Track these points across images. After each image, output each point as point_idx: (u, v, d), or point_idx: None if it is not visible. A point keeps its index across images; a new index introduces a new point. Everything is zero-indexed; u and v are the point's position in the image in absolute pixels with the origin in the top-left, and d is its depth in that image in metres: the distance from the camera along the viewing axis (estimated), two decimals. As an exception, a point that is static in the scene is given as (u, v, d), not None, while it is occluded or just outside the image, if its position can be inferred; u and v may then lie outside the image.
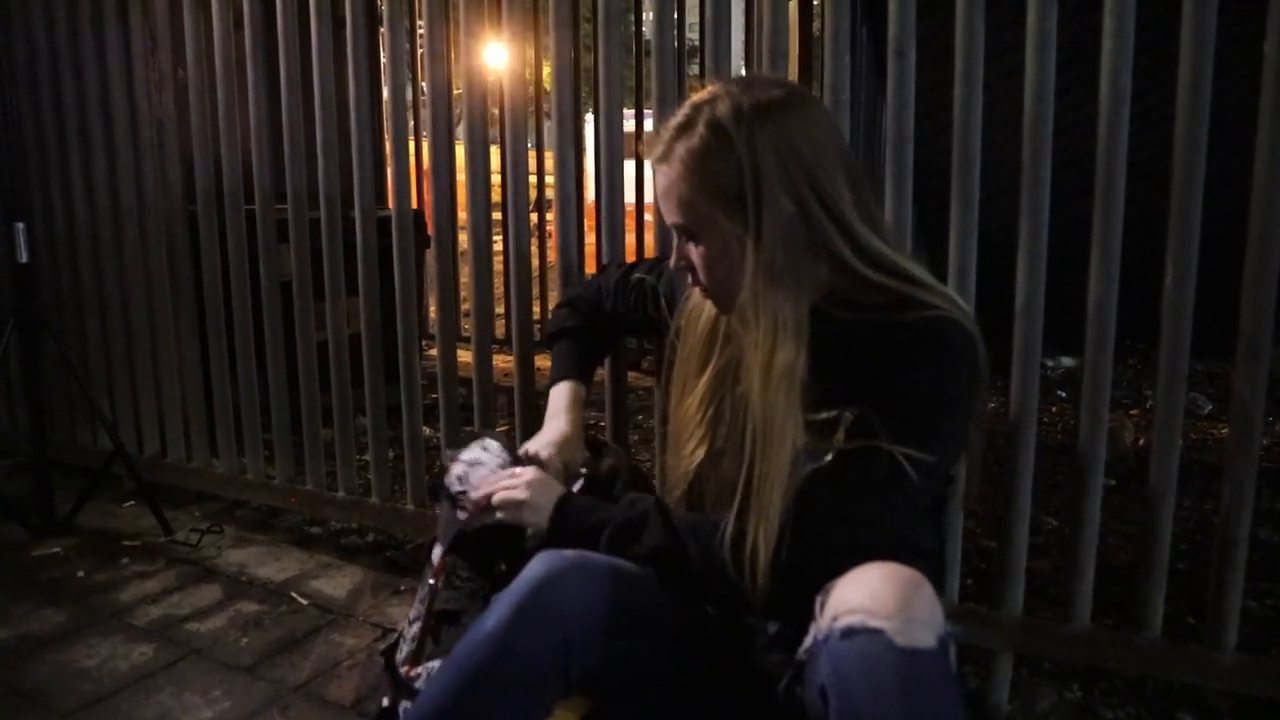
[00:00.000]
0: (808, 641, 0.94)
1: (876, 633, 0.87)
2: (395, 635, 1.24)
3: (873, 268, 1.06)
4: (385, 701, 1.17)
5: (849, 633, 0.88)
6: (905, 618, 0.87)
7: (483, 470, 1.25)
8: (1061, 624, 1.53)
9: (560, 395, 1.42)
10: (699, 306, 1.22)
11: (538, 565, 1.04)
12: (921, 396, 1.03)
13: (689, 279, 1.15)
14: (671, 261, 1.15)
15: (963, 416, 1.06)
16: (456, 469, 1.26)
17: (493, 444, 1.29)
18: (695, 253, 1.10)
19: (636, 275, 1.46)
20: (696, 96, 1.09)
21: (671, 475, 1.23)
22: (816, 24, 3.49)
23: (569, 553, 1.07)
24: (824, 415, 1.04)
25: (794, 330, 1.04)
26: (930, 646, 0.87)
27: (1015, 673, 1.61)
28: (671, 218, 1.10)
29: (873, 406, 1.01)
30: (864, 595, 0.89)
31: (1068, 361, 3.91)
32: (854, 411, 1.01)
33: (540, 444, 1.33)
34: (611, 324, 1.51)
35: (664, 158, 1.09)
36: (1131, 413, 3.32)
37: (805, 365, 1.05)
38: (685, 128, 1.07)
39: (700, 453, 1.17)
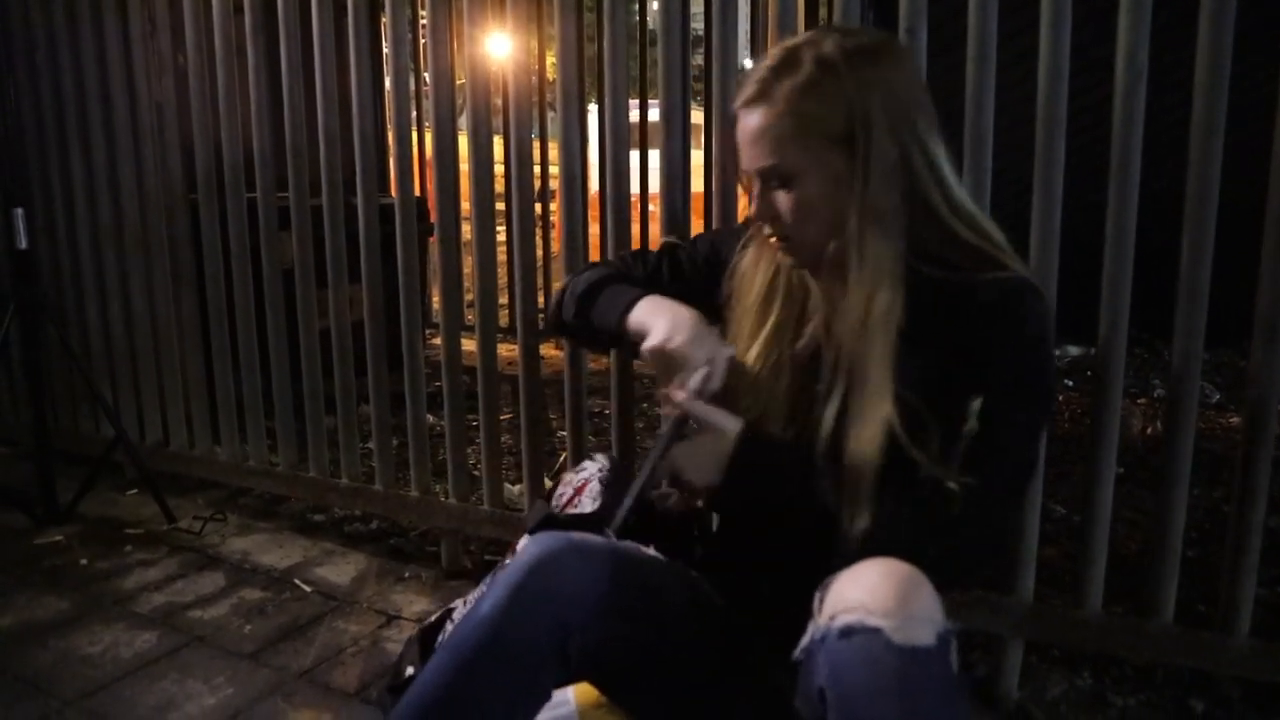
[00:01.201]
0: (805, 640, 0.92)
1: (875, 631, 0.85)
2: (439, 613, 1.23)
3: (962, 222, 1.04)
4: (409, 671, 1.15)
5: (847, 632, 0.87)
6: (904, 615, 0.85)
7: (584, 475, 1.29)
8: (1072, 610, 1.52)
9: (650, 300, 1.19)
10: (752, 267, 1.19)
11: (534, 546, 1.03)
12: (1028, 376, 1.01)
13: (765, 229, 1.10)
14: (752, 209, 1.10)
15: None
16: (565, 476, 1.33)
17: (600, 457, 1.33)
18: (786, 199, 1.05)
19: (664, 242, 1.38)
20: (790, 41, 1.06)
21: None
22: (823, 11, 3.46)
23: (567, 534, 1.05)
24: (940, 390, 1.00)
25: (893, 274, 1.02)
26: (929, 644, 0.85)
27: (1025, 659, 1.60)
28: (763, 160, 1.05)
29: (990, 390, 0.99)
30: (862, 593, 0.88)
31: (1074, 350, 3.90)
32: (979, 399, 0.98)
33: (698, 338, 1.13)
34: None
35: (761, 97, 1.04)
36: (1139, 401, 3.31)
37: (902, 311, 1.02)
38: (788, 65, 1.03)
39: (793, 398, 1.14)
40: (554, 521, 1.20)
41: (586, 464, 1.34)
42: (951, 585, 1.12)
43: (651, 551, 1.16)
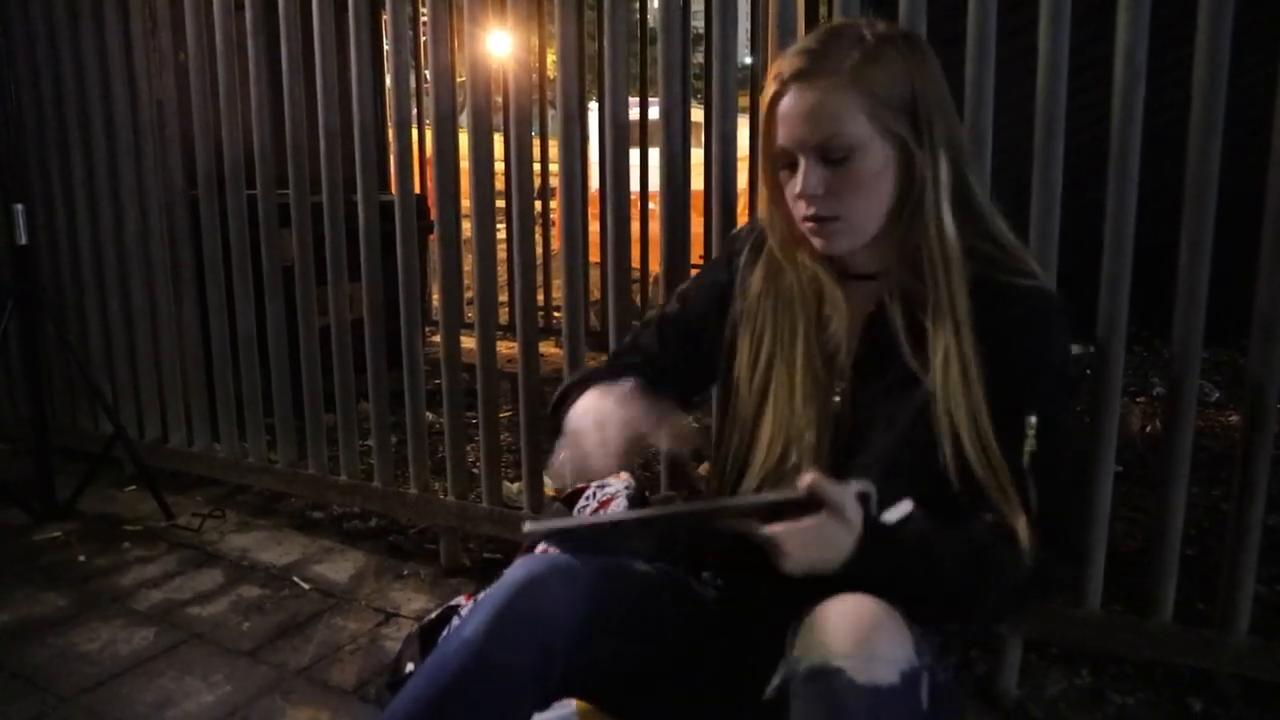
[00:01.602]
0: (776, 679, 0.92)
1: (837, 673, 0.85)
2: (440, 610, 1.23)
3: (993, 216, 1.05)
4: (409, 668, 1.15)
5: (811, 676, 0.87)
6: (865, 655, 0.85)
7: (610, 490, 1.26)
8: (1071, 608, 1.52)
9: (587, 400, 1.09)
10: (764, 280, 1.13)
11: (518, 569, 1.01)
12: (1066, 389, 1.05)
13: (806, 210, 1.03)
14: (799, 187, 1.02)
15: None
16: (589, 490, 1.28)
17: (625, 475, 1.29)
18: (843, 174, 1.00)
19: (647, 322, 1.28)
20: (832, 24, 1.06)
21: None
22: (823, 10, 3.46)
23: (551, 555, 1.03)
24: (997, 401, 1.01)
25: (961, 250, 1.02)
26: (892, 683, 0.85)
27: (1024, 657, 1.60)
28: (824, 132, 0.99)
29: (1042, 407, 1.01)
30: (824, 634, 0.88)
31: (1073, 349, 3.88)
32: (1034, 415, 1.00)
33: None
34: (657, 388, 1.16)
35: (819, 68, 0.99)
36: (1138, 400, 3.31)
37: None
38: (846, 38, 1.00)
39: (811, 412, 1.10)
40: (573, 533, 1.17)
41: (611, 481, 1.29)
42: (1052, 593, 1.17)
43: (641, 565, 1.14)
